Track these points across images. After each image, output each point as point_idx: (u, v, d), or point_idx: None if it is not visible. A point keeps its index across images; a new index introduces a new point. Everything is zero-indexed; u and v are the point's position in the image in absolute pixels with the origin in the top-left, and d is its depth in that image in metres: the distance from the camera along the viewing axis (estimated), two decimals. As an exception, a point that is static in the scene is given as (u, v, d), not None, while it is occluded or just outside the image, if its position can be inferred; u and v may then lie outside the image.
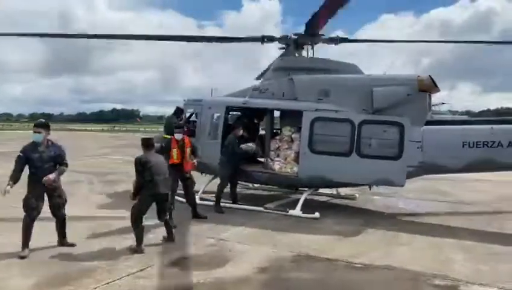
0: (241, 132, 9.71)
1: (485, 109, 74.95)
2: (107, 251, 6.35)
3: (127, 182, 13.34)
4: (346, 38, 10.52)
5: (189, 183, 8.58)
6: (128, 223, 6.51)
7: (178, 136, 8.55)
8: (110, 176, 14.90)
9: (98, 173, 15.45)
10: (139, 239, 6.41)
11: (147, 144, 6.70)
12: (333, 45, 10.67)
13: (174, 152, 8.40)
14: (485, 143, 8.37)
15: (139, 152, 6.73)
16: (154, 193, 6.50)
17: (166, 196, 6.73)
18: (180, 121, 10.66)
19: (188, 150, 8.53)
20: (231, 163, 9.47)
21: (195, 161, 8.61)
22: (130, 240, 6.65)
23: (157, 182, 6.49)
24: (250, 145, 9.88)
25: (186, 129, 9.22)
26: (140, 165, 6.46)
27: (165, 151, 8.27)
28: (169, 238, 6.91)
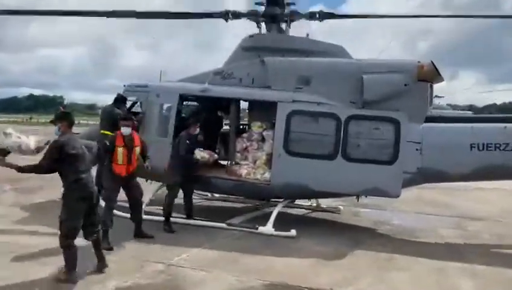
0: (197, 131, 9.47)
1: (491, 103, 78.41)
2: (21, 282, 6.06)
3: (48, 190, 12.90)
4: (332, 14, 10.59)
5: (136, 194, 8.36)
6: (49, 242, 6.25)
7: (126, 130, 8.23)
8: (25, 182, 14.32)
9: (10, 179, 14.80)
10: (70, 265, 6.12)
11: (69, 120, 6.30)
12: (316, 22, 10.73)
13: (120, 153, 8.07)
14: (497, 146, 8.61)
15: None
16: (84, 194, 6.17)
17: (97, 197, 6.47)
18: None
19: (137, 149, 8.30)
20: (183, 167, 9.25)
21: (148, 164, 8.44)
22: (52, 266, 6.38)
23: (85, 178, 6.19)
24: (205, 156, 9.49)
25: (135, 122, 8.98)
26: (58, 152, 6.01)
27: (109, 151, 8.02)
28: (101, 264, 6.61)
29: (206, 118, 10.96)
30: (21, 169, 6.08)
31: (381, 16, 10.92)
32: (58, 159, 6.03)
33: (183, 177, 9.20)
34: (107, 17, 10.60)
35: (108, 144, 8.12)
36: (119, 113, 10.36)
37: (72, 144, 6.14)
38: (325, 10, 10.58)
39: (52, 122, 6.33)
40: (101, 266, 6.59)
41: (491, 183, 13.11)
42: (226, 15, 10.42)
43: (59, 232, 6.16)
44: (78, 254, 6.18)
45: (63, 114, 6.53)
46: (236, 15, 10.47)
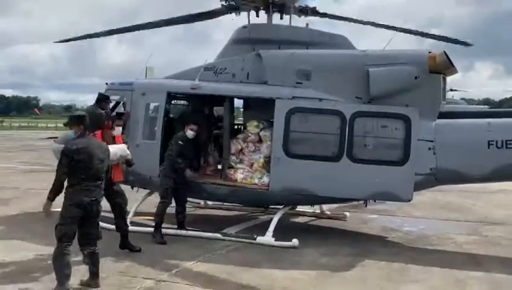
0: (191, 133, 9.43)
1: (509, 96, 78.64)
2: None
3: (24, 200, 12.90)
4: (317, 11, 10.71)
5: (120, 201, 8.36)
6: (29, 257, 6.22)
7: (118, 130, 8.43)
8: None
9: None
10: (61, 280, 6.08)
11: (80, 120, 6.55)
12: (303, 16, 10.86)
13: None
14: (518, 142, 8.65)
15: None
16: (81, 201, 6.21)
17: (98, 206, 6.48)
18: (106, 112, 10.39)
19: None
20: (175, 172, 9.27)
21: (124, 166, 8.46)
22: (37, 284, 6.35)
23: (85, 185, 6.26)
24: (192, 175, 9.61)
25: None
26: (67, 156, 6.25)
27: None
28: (93, 281, 6.57)
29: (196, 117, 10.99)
30: (51, 197, 6.28)
31: (376, 25, 11.07)
32: (69, 164, 6.25)
33: (175, 183, 9.22)
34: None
35: None
36: (103, 114, 10.36)
37: (81, 148, 6.32)
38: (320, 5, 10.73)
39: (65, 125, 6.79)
40: (92, 284, 6.54)
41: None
42: (226, 8, 10.36)
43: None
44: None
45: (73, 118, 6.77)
46: (235, 7, 10.41)
